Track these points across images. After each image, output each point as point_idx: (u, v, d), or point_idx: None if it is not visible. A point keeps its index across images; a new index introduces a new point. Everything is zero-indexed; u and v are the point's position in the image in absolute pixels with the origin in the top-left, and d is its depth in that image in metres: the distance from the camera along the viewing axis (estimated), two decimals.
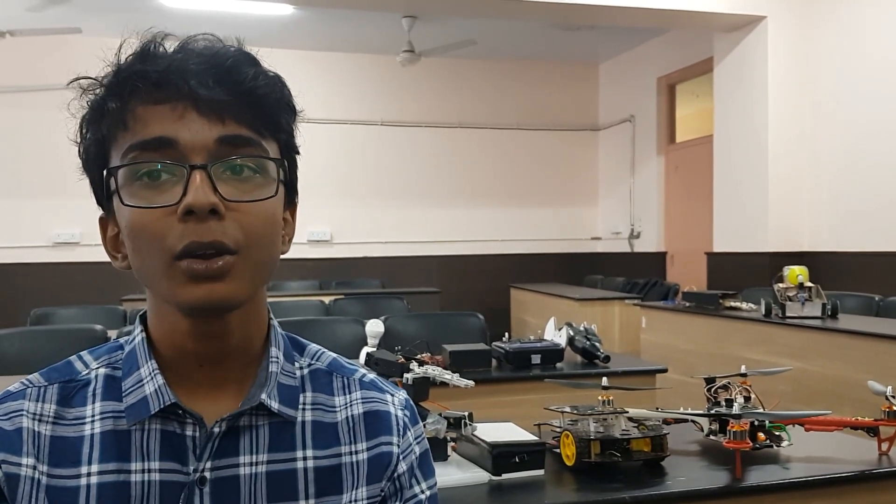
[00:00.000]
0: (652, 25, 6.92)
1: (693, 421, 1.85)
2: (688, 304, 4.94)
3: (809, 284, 4.08)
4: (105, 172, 0.75)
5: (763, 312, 4.19)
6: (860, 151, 5.56)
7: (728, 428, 1.65)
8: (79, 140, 0.77)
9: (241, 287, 0.73)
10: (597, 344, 3.02)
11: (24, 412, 0.76)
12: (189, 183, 0.70)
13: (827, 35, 5.85)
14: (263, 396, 0.77)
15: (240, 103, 0.73)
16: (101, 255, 0.80)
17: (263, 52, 0.79)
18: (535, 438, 1.72)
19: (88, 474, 0.74)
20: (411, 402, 0.88)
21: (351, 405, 0.83)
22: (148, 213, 0.71)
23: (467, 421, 1.67)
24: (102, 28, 6.78)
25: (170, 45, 0.75)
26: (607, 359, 2.98)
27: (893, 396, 1.74)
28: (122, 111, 0.72)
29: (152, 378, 0.76)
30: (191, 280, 0.71)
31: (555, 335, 3.15)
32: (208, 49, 0.75)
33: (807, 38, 5.98)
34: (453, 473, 1.61)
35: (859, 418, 1.80)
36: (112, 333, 3.33)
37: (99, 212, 0.79)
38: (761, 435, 1.73)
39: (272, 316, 0.83)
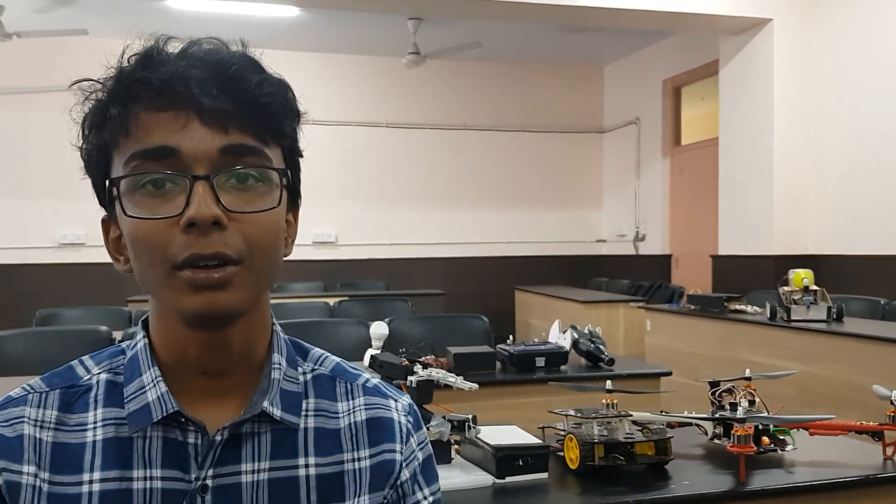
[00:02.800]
0: (657, 28, 6.92)
1: (697, 424, 1.84)
2: (692, 307, 4.93)
3: (815, 288, 4.07)
4: (108, 182, 0.74)
5: (768, 316, 4.18)
6: (866, 154, 5.55)
7: (732, 432, 1.65)
8: (81, 142, 0.77)
9: (243, 296, 0.73)
10: (601, 346, 3.02)
11: (26, 419, 0.76)
12: (192, 194, 0.70)
13: (833, 38, 5.84)
14: (266, 404, 0.77)
15: (243, 112, 0.72)
16: (106, 257, 0.80)
17: (269, 53, 0.78)
18: (539, 441, 1.72)
19: (90, 482, 0.73)
20: (415, 408, 0.88)
21: (354, 411, 0.83)
22: (150, 224, 0.71)
23: (471, 423, 1.67)
24: (109, 29, 6.80)
25: (173, 48, 0.74)
26: (612, 361, 2.97)
27: None
28: (125, 117, 0.72)
29: (155, 385, 0.76)
30: (192, 289, 0.71)
31: (559, 338, 3.15)
32: (212, 55, 0.74)
33: (812, 41, 5.97)
34: (457, 476, 1.61)
35: (864, 422, 1.80)
36: (117, 334, 3.34)
37: (102, 213, 0.79)
38: (765, 439, 1.72)
39: (275, 321, 0.83)
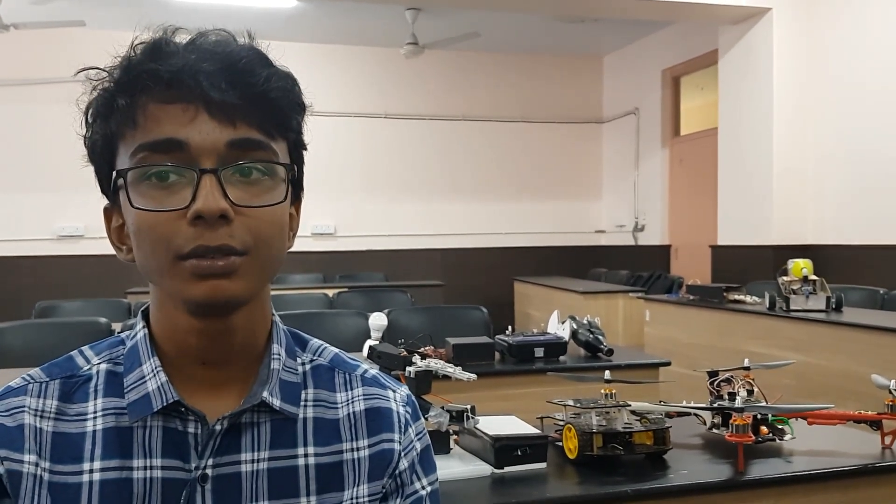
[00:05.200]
0: (657, 17, 6.90)
1: (696, 414, 1.85)
2: (692, 298, 4.93)
3: (814, 277, 4.07)
4: (115, 173, 0.74)
5: (767, 306, 4.19)
6: (865, 144, 5.54)
7: (731, 421, 1.65)
8: (85, 130, 0.77)
9: (247, 285, 0.73)
10: (600, 337, 3.02)
11: (26, 408, 0.76)
12: (199, 187, 0.70)
13: (832, 27, 5.82)
14: (265, 394, 0.77)
15: (251, 106, 0.73)
16: (105, 248, 0.80)
17: (267, 44, 0.78)
18: (538, 432, 1.72)
19: (91, 471, 0.74)
20: (413, 398, 0.88)
21: (353, 402, 0.83)
22: (156, 216, 0.71)
23: (470, 414, 1.67)
24: (106, 21, 6.78)
25: (181, 40, 0.74)
26: (610, 352, 2.98)
27: None
28: (132, 108, 0.72)
29: (155, 375, 0.76)
30: (196, 277, 0.71)
31: (558, 328, 3.15)
32: (220, 47, 0.73)
33: (812, 30, 5.96)
34: (455, 466, 1.61)
35: (862, 412, 1.80)
36: (116, 326, 3.33)
37: (103, 203, 0.79)
38: (764, 428, 1.73)
39: (274, 312, 0.83)
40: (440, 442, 1.63)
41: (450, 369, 1.79)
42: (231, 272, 0.71)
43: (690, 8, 5.98)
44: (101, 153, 0.76)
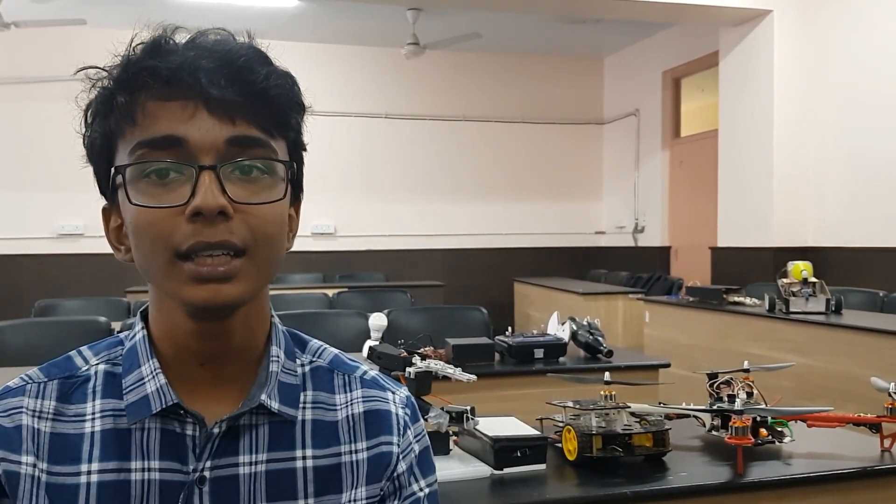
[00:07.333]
0: (657, 19, 6.90)
1: (695, 416, 1.84)
2: (691, 299, 4.93)
3: (813, 280, 4.07)
4: (112, 170, 0.74)
5: (767, 308, 4.19)
6: (865, 146, 5.54)
7: (730, 423, 1.65)
8: (84, 130, 0.76)
9: (246, 287, 0.73)
10: (600, 338, 3.02)
11: (24, 409, 0.76)
12: (198, 184, 0.70)
13: (833, 29, 5.82)
14: (263, 397, 0.77)
15: (251, 103, 0.72)
16: (105, 247, 0.80)
17: (266, 44, 0.78)
18: (537, 433, 1.72)
19: (89, 472, 0.73)
20: (412, 400, 0.88)
21: (352, 404, 0.83)
22: (155, 212, 0.70)
23: (469, 415, 1.67)
24: (107, 19, 6.78)
25: (180, 39, 0.74)
26: (610, 353, 2.98)
27: None
28: (131, 106, 0.72)
29: (154, 377, 0.76)
30: (195, 281, 0.71)
31: (558, 329, 3.15)
32: (220, 45, 0.73)
33: (813, 32, 5.96)
34: (455, 467, 1.61)
35: (862, 415, 1.80)
36: (116, 325, 3.33)
37: (102, 202, 0.79)
38: (763, 431, 1.73)
39: (273, 313, 0.83)
40: (440, 443, 1.63)
41: (450, 370, 1.79)
42: (231, 276, 0.71)
43: (691, 10, 5.98)
44: (100, 152, 0.76)
